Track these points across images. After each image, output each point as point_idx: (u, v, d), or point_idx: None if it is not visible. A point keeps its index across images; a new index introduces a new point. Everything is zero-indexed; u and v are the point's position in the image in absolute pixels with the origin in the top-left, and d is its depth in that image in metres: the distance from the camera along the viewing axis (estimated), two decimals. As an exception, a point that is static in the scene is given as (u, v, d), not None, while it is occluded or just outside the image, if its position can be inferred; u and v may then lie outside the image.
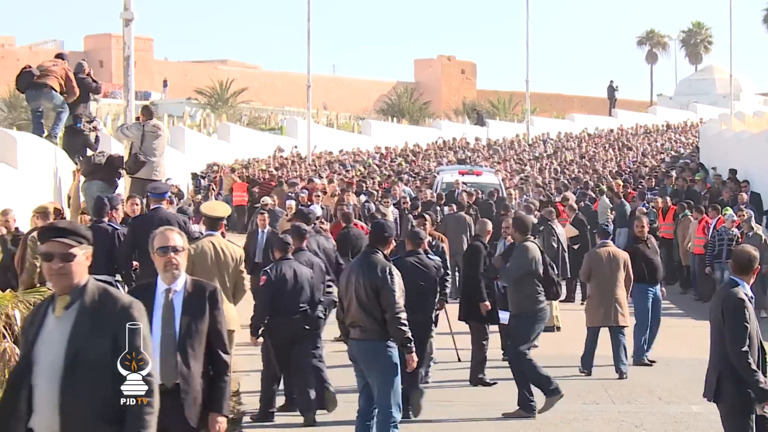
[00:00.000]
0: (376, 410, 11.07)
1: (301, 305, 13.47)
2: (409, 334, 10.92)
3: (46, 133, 20.45)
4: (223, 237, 13.57)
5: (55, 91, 20.02)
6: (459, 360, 17.15)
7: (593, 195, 33.16)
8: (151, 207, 15.23)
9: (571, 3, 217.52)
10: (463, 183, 33.78)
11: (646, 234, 18.30)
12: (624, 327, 16.94)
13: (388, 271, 10.95)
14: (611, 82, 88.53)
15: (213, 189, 30.96)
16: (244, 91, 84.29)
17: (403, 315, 10.88)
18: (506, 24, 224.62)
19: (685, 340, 20.06)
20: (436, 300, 14.38)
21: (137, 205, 16.73)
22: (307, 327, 13.51)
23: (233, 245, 13.26)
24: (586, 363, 16.81)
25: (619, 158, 51.97)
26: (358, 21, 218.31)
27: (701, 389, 9.61)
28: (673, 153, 52.94)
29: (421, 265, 13.78)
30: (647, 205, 29.94)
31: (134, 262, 14.46)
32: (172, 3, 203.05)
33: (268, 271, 13.69)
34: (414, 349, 11.04)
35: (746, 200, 28.11)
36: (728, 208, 26.15)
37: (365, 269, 11.03)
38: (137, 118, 20.46)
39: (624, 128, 69.57)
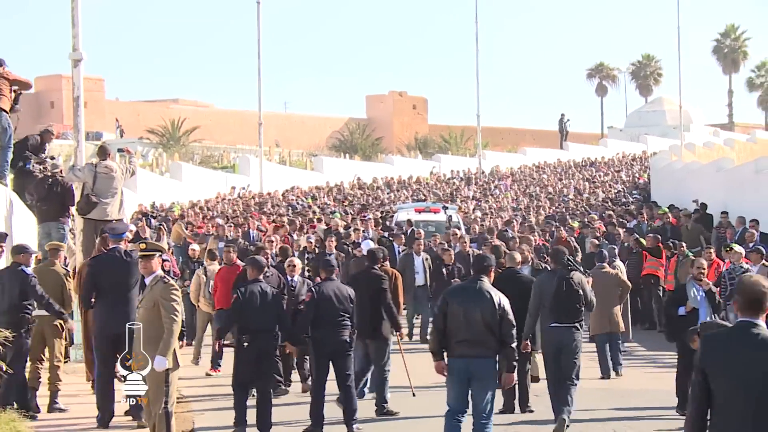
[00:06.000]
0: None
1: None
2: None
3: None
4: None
5: (5, 112, 19.84)
6: (414, 395, 17.09)
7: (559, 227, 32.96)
8: (109, 247, 15.22)
9: (521, 37, 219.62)
10: (422, 221, 33.14)
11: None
12: (620, 332, 19.68)
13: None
14: (562, 115, 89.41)
15: (163, 230, 30.63)
16: (196, 129, 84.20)
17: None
18: (457, 59, 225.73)
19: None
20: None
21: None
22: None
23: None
24: (604, 369, 19.07)
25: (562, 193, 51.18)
26: (309, 58, 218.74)
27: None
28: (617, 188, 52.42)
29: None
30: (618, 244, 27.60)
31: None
32: (123, 43, 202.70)
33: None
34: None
35: (756, 239, 25.31)
36: (736, 244, 23.22)
37: (482, 295, 11.86)
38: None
39: (570, 161, 69.52)
